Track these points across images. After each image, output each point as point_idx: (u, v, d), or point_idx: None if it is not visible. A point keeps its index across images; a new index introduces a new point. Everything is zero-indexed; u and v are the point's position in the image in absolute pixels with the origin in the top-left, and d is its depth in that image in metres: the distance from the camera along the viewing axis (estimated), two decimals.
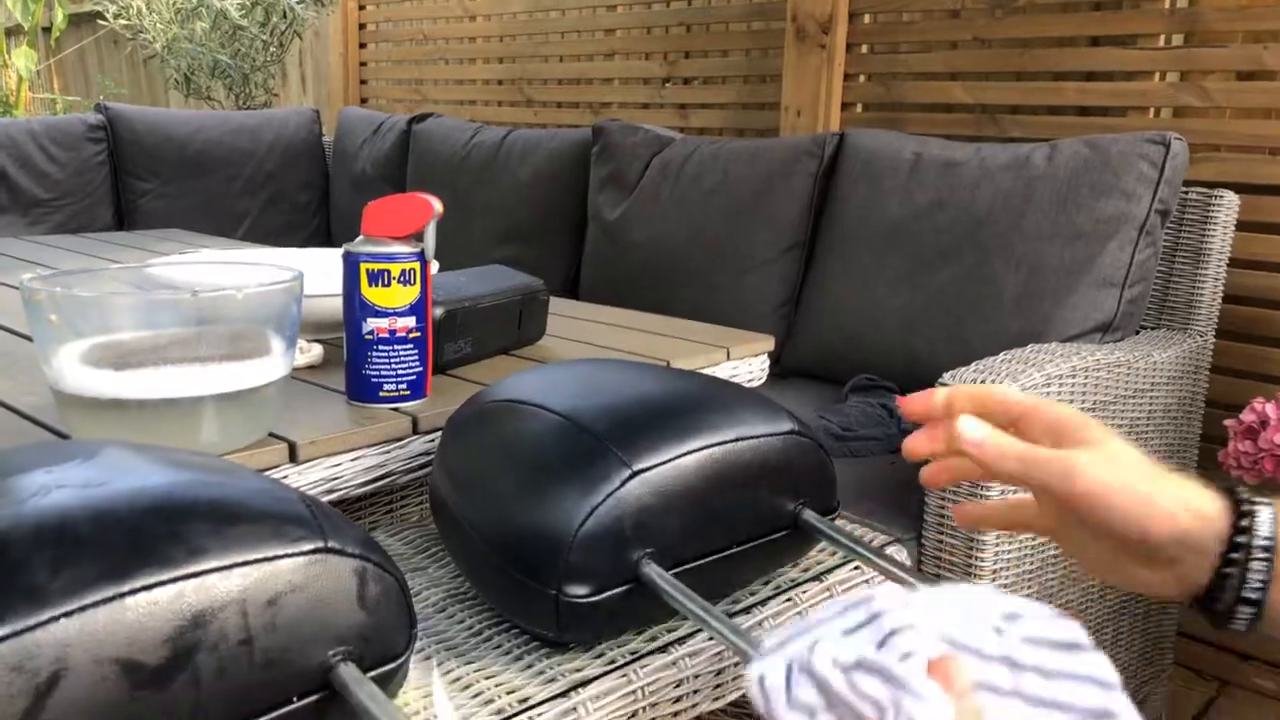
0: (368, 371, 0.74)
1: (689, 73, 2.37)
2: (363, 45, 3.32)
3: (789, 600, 0.65)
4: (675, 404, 0.60)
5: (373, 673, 0.42)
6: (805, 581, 0.67)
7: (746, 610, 0.63)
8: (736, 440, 0.58)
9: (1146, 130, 1.52)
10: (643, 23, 2.52)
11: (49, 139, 2.48)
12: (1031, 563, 1.16)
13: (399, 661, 0.44)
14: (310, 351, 0.87)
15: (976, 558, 1.10)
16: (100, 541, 0.36)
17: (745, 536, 0.60)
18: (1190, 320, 1.47)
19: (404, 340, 0.74)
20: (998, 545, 1.11)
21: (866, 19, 2.02)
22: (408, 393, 0.75)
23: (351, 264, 0.73)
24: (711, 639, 0.59)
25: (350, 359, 0.75)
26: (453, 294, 0.89)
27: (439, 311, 0.85)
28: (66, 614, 0.34)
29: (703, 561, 0.58)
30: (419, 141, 2.56)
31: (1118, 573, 0.46)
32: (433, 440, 0.74)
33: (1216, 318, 1.49)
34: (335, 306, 0.91)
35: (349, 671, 0.40)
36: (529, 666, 0.55)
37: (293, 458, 0.66)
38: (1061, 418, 0.47)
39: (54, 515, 0.37)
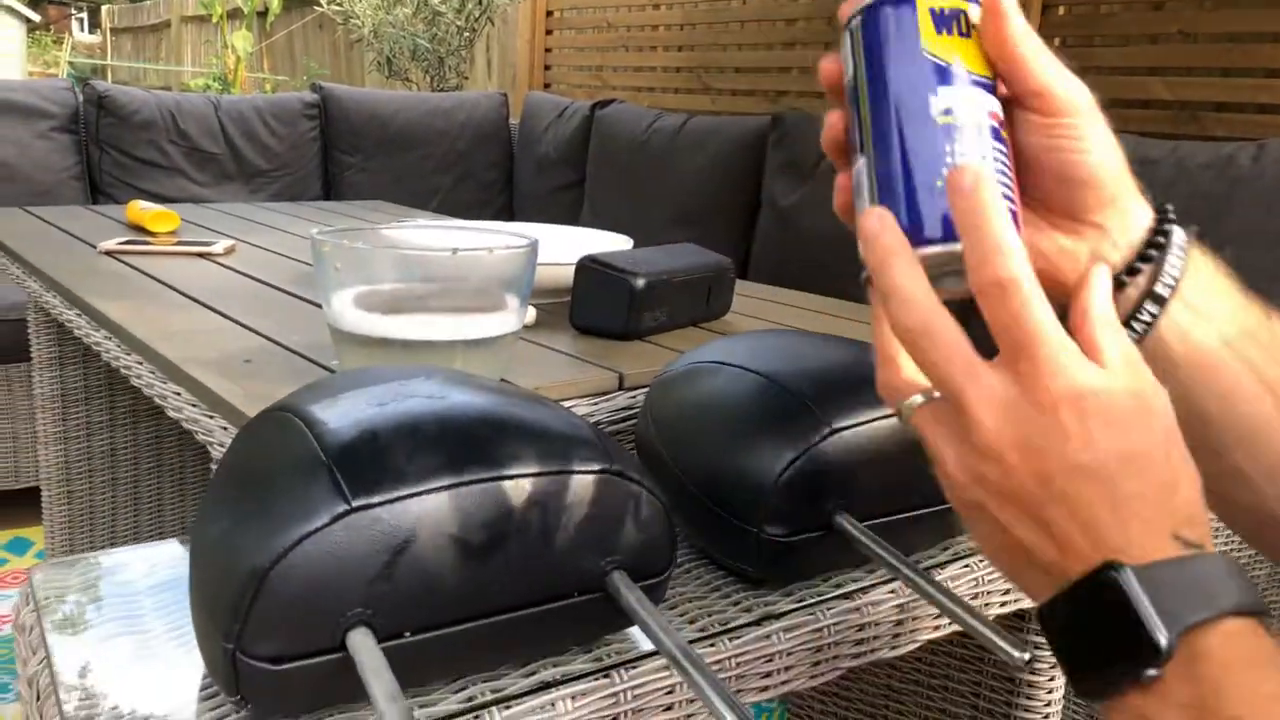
0: (940, 183, 0.40)
1: None
2: (548, 32, 3.46)
3: (966, 566, 0.69)
4: (870, 372, 0.65)
5: (640, 583, 0.49)
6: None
7: (926, 572, 0.68)
8: None
9: None
10: (823, 12, 2.53)
11: (271, 115, 2.73)
12: None
13: (662, 576, 0.51)
14: (527, 313, 0.96)
15: None
16: (443, 440, 0.45)
17: (930, 501, 0.64)
18: None
19: (998, 135, 0.41)
20: None
21: (1061, 10, 1.98)
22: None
23: (884, 13, 0.42)
24: (893, 592, 0.63)
25: (902, 168, 0.41)
26: (651, 267, 0.97)
27: (640, 282, 0.92)
28: (417, 494, 0.43)
29: (888, 519, 0.63)
30: (601, 126, 2.66)
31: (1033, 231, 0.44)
32: (634, 396, 0.82)
33: None
34: (547, 275, 1.01)
35: (622, 578, 0.48)
36: (726, 596, 0.61)
37: None
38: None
39: (409, 417, 0.46)
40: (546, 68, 3.50)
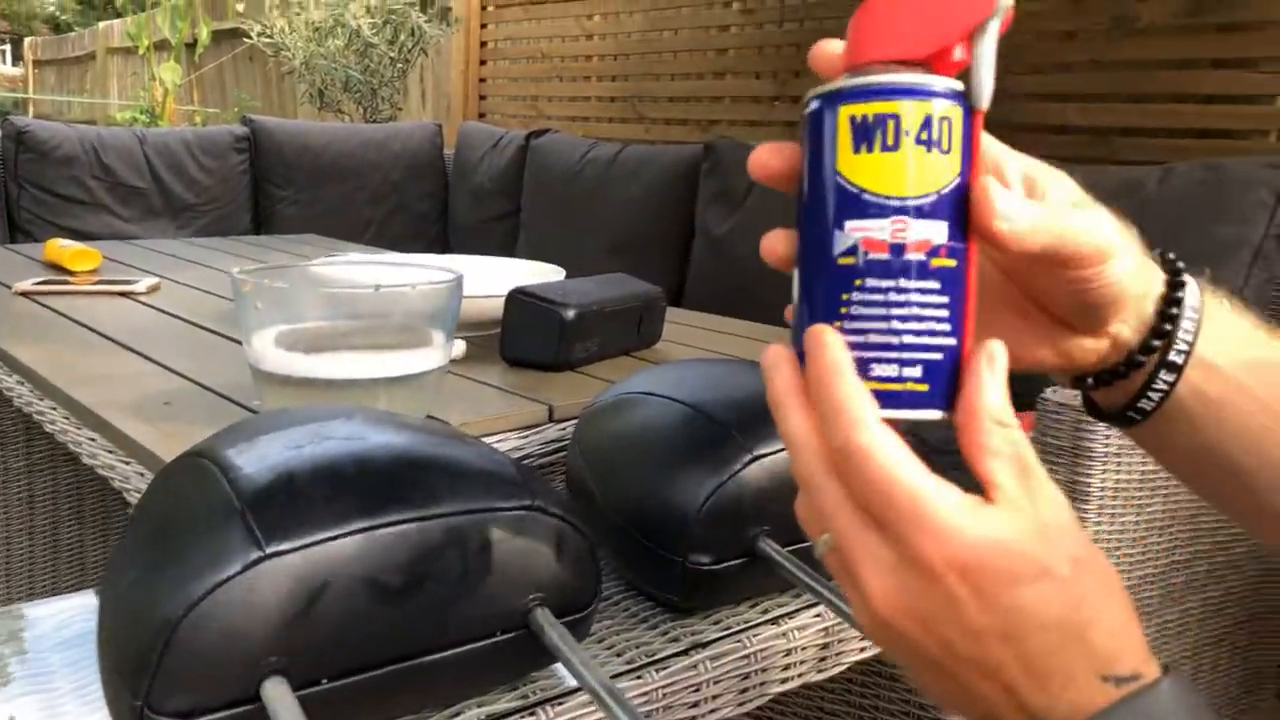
0: (843, 333, 0.35)
1: (799, 91, 2.42)
2: (483, 62, 3.47)
3: None
4: None
5: (564, 619, 0.49)
6: None
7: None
8: None
9: (1268, 154, 1.51)
10: (754, 42, 2.58)
11: (199, 148, 2.68)
12: (1130, 579, 1.18)
13: (587, 611, 0.52)
14: (455, 347, 0.96)
15: None
16: (360, 482, 0.45)
17: None
18: None
19: (925, 270, 0.35)
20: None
21: None
22: (924, 387, 0.35)
23: (819, 115, 0.36)
24: (818, 616, 0.64)
25: (806, 307, 0.37)
26: (581, 298, 0.97)
27: (570, 313, 0.93)
28: (333, 538, 0.43)
29: (808, 544, 0.64)
30: (535, 156, 2.67)
31: (1036, 351, 0.43)
32: (565, 428, 0.82)
33: None
34: (476, 308, 1.00)
35: (545, 615, 0.48)
36: (654, 627, 0.62)
37: None
38: (1031, 163, 0.41)
39: (326, 460, 0.46)
40: (481, 98, 3.50)
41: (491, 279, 1.14)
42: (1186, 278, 0.42)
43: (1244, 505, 0.46)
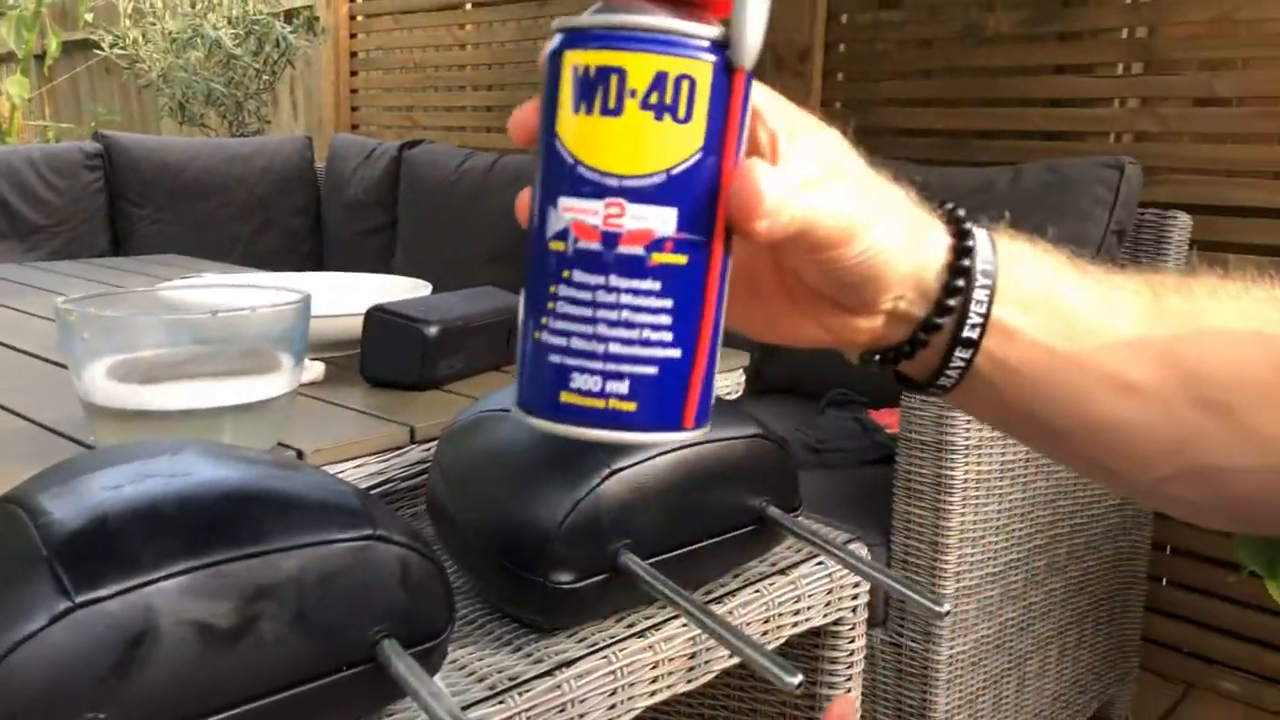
0: (543, 335, 0.31)
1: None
2: (354, 73, 3.39)
3: (757, 591, 0.71)
4: None
5: (413, 650, 0.48)
6: (772, 575, 0.73)
7: (718, 600, 0.69)
8: (705, 442, 0.64)
9: (1108, 154, 1.60)
10: None
11: (47, 167, 2.53)
12: (995, 565, 1.23)
13: (438, 640, 0.50)
14: (312, 369, 0.93)
15: (941, 562, 1.16)
16: (183, 521, 0.43)
17: (714, 531, 0.66)
18: None
19: (641, 267, 0.29)
20: (961, 549, 1.17)
21: (842, 48, 2.11)
22: (630, 405, 0.30)
23: (554, 58, 0.30)
24: (685, 625, 0.64)
25: (523, 294, 0.32)
26: (445, 313, 0.95)
27: (432, 330, 0.91)
28: (152, 580, 0.40)
29: (675, 554, 0.64)
30: (410, 167, 2.62)
31: (806, 328, 0.39)
32: (428, 449, 0.80)
33: None
34: (335, 327, 0.97)
35: (391, 646, 0.46)
36: (517, 650, 0.60)
37: None
38: (791, 116, 0.35)
39: (147, 498, 0.43)
40: (354, 109, 3.42)
41: (356, 296, 1.11)
42: (976, 237, 0.38)
43: (1079, 465, 0.42)
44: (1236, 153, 1.61)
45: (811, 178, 0.33)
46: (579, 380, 0.30)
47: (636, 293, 0.29)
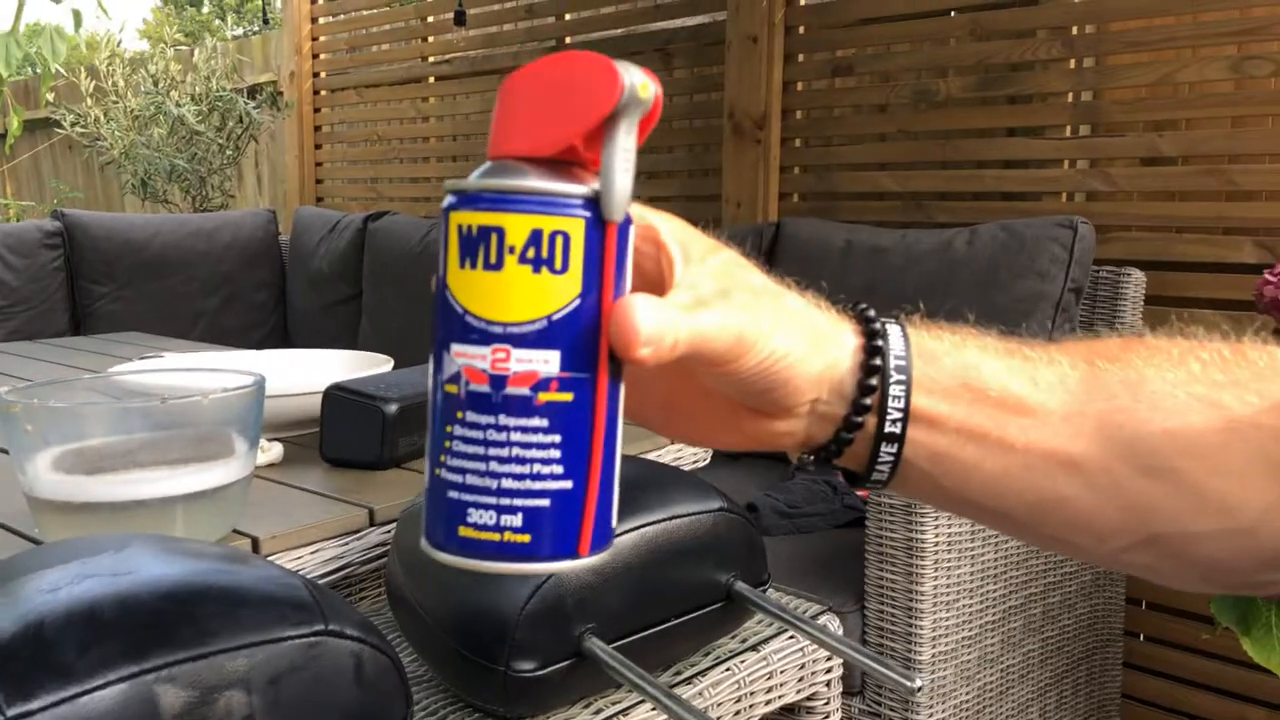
0: (442, 472, 0.32)
1: (636, 168, 2.48)
2: (318, 146, 3.41)
3: (728, 670, 0.69)
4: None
5: None
6: (743, 652, 0.71)
7: (688, 680, 0.67)
8: (669, 519, 0.63)
9: (1060, 214, 1.63)
10: None
11: (4, 246, 2.51)
12: (970, 629, 1.21)
13: None
14: (270, 450, 0.91)
15: (916, 627, 1.15)
16: (123, 625, 0.41)
17: (682, 609, 0.64)
18: None
19: (528, 407, 0.31)
20: (935, 613, 1.16)
21: (799, 114, 2.15)
22: (524, 538, 0.31)
23: (444, 216, 0.33)
24: (654, 709, 0.63)
25: (427, 442, 0.33)
26: (404, 390, 0.94)
27: (392, 408, 0.90)
28: (89, 690, 0.38)
29: (642, 635, 0.62)
30: (375, 239, 2.62)
31: (730, 436, 0.40)
32: (388, 531, 0.78)
33: None
34: (293, 406, 0.96)
35: None
36: None
37: (255, 552, 0.70)
38: (685, 237, 0.36)
39: (84, 602, 0.42)
40: (319, 181, 3.42)
41: (316, 373, 1.09)
42: (887, 333, 0.39)
43: (1036, 541, 0.41)
44: (1184, 209, 1.65)
45: (705, 295, 0.35)
46: (475, 515, 0.31)
47: (525, 430, 0.31)
